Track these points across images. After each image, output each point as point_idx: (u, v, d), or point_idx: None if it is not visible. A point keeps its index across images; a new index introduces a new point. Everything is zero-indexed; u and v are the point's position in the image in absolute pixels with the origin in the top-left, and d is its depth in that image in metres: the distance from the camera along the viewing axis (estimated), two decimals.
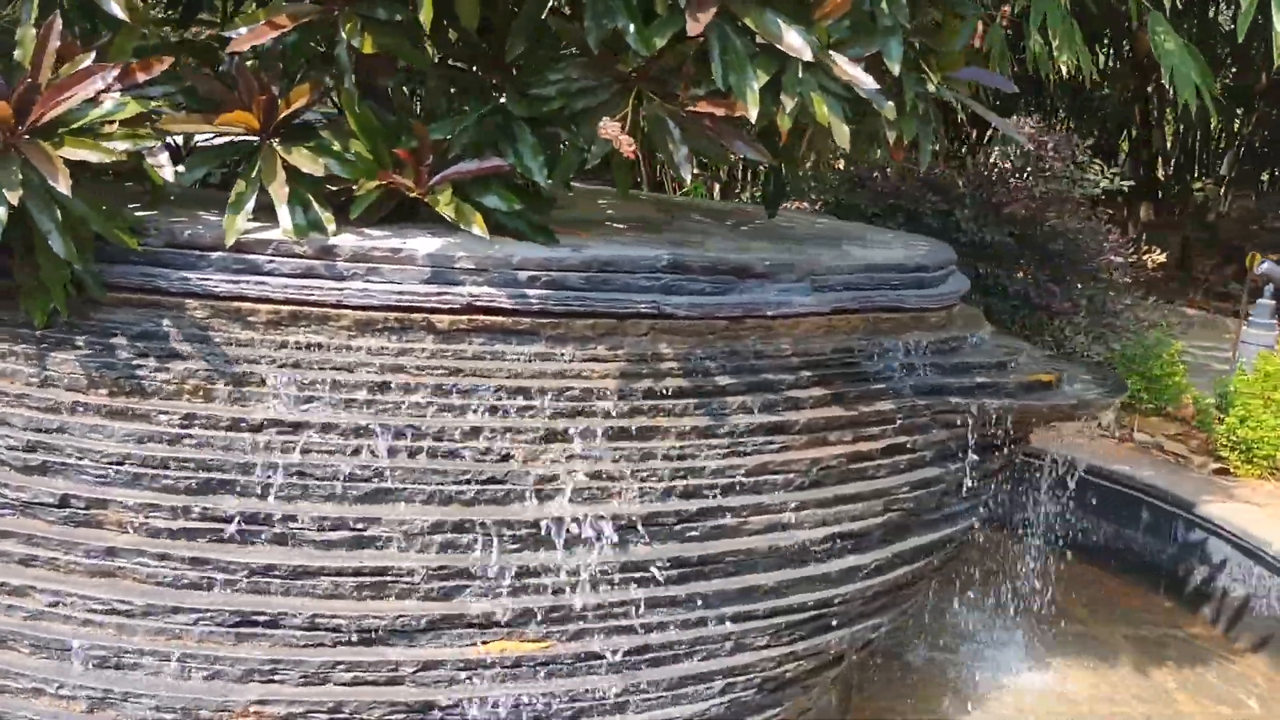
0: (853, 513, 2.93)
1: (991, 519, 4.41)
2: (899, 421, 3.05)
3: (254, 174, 2.58)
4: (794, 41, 2.40)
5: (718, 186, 7.48)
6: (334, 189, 2.72)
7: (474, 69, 2.71)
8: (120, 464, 2.51)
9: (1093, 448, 5.06)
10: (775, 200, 3.53)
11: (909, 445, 3.07)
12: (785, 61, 2.47)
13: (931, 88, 2.71)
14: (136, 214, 2.60)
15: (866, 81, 2.46)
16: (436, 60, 2.73)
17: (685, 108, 2.52)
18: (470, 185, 2.66)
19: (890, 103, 2.59)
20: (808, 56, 2.41)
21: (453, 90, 2.74)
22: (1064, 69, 5.88)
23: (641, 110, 2.52)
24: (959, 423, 3.17)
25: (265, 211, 2.61)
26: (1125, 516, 4.69)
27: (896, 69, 2.57)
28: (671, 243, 3.01)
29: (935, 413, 3.13)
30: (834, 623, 2.87)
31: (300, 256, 2.61)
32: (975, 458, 3.26)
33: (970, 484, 3.26)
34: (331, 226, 2.65)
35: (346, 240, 2.63)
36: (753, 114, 2.44)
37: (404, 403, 2.60)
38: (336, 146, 2.65)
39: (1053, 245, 5.33)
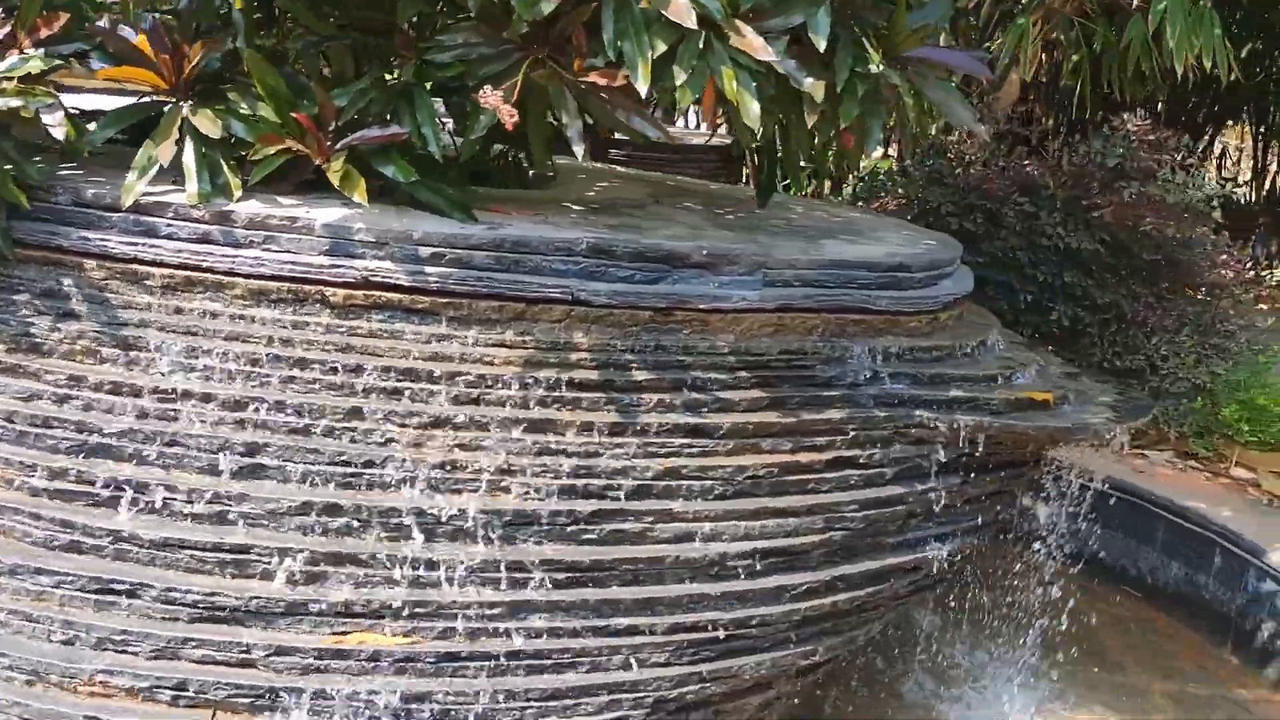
0: (784, 528, 2.69)
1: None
2: (851, 433, 2.78)
3: (159, 135, 2.53)
4: (680, 6, 2.18)
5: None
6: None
7: (378, 34, 2.60)
8: (9, 420, 2.51)
9: (1175, 480, 4.58)
10: (766, 189, 3.29)
11: (862, 460, 2.80)
12: (686, 31, 2.25)
13: (873, 67, 2.43)
14: (50, 173, 2.59)
15: (765, 53, 2.22)
16: (342, 25, 2.62)
17: (580, 78, 2.33)
18: (373, 154, 2.55)
19: (811, 80, 2.34)
20: (690, 23, 2.19)
21: (360, 56, 2.62)
22: (1184, 64, 5.37)
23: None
24: (930, 439, 2.87)
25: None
26: (1197, 559, 4.22)
27: (822, 44, 2.32)
28: (613, 227, 2.82)
29: (899, 426, 2.84)
30: (750, 646, 2.64)
31: (198, 221, 2.55)
32: (956, 479, 2.96)
33: (945, 507, 2.96)
34: (238, 193, 2.58)
35: (244, 207, 2.55)
36: (642, 86, 2.23)
37: (290, 377, 2.51)
38: (245, 110, 2.57)
39: (1150, 255, 4.85)
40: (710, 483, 2.63)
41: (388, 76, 2.55)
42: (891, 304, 2.89)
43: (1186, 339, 4.94)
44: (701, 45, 2.27)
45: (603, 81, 2.29)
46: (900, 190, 5.28)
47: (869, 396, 2.83)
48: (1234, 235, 7.85)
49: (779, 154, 3.28)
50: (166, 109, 2.58)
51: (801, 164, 3.29)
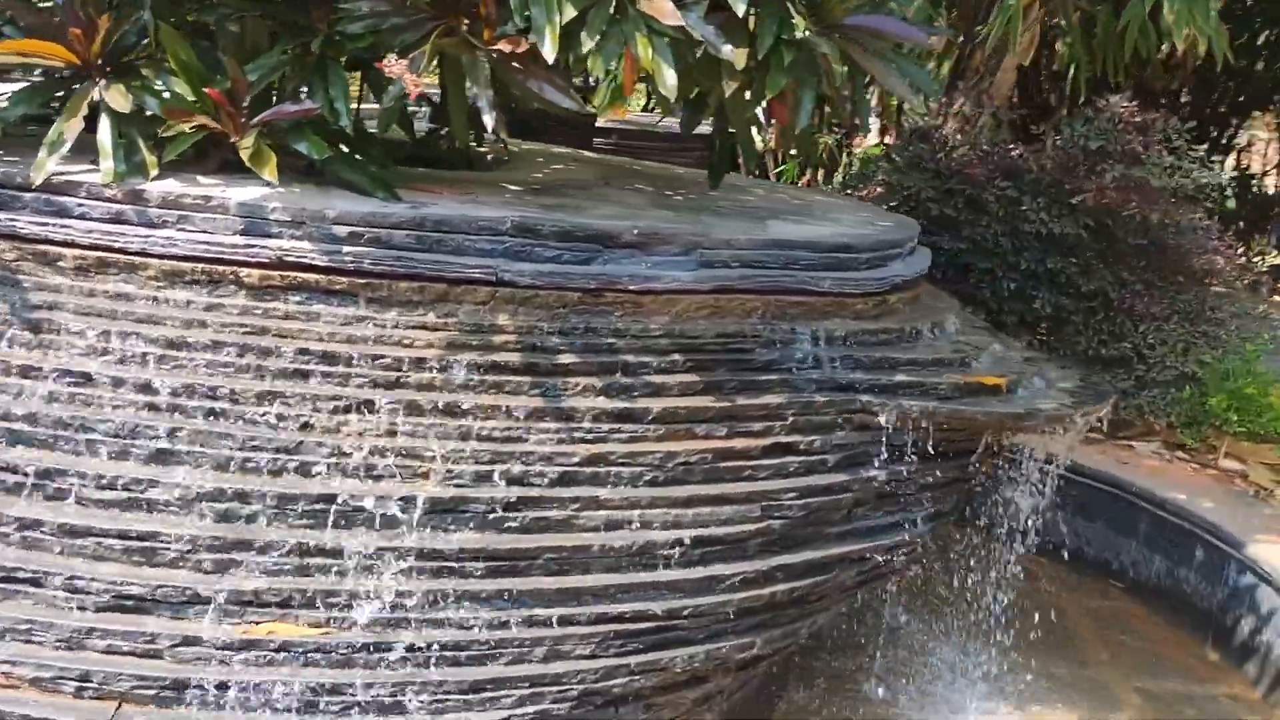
0: (718, 516, 2.60)
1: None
2: (790, 419, 2.69)
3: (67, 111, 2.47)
4: None
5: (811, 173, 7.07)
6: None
7: (293, 5, 2.52)
8: None
9: (1160, 471, 4.45)
10: (717, 169, 3.20)
11: (802, 446, 2.71)
12: None
13: (800, 34, 2.33)
14: None
15: (674, 17, 2.13)
16: None
17: (491, 47, 2.25)
18: (288, 131, 2.47)
19: (729, 47, 2.25)
20: None
21: (275, 30, 2.55)
22: (1185, 43, 5.24)
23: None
24: (875, 425, 2.78)
25: None
26: (1178, 552, 4.10)
27: (741, 8, 2.22)
28: (547, 207, 2.74)
29: (842, 411, 2.75)
30: (681, 638, 2.55)
31: (111, 201, 2.48)
32: (905, 466, 2.86)
33: (895, 495, 2.86)
34: (154, 171, 2.51)
35: (158, 186, 2.49)
36: (549, 53, 2.15)
37: (204, 360, 2.44)
38: (159, 86, 2.51)
39: (1136, 241, 4.73)
40: (639, 469, 2.54)
41: (306, 49, 2.47)
42: (835, 285, 2.80)
43: (1175, 327, 4.81)
44: (614, 11, 2.18)
45: (508, 49, 2.21)
46: (885, 177, 5.17)
47: (810, 381, 2.73)
48: (1252, 224, 7.70)
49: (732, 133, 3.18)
50: (79, 85, 2.51)
51: (758, 144, 3.18)
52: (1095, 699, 3.56)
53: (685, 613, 2.54)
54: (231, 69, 2.45)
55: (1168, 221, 4.70)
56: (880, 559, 2.90)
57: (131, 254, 2.48)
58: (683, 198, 3.19)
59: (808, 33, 2.34)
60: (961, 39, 6.56)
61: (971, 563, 3.84)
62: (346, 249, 2.47)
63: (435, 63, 2.41)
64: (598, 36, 2.17)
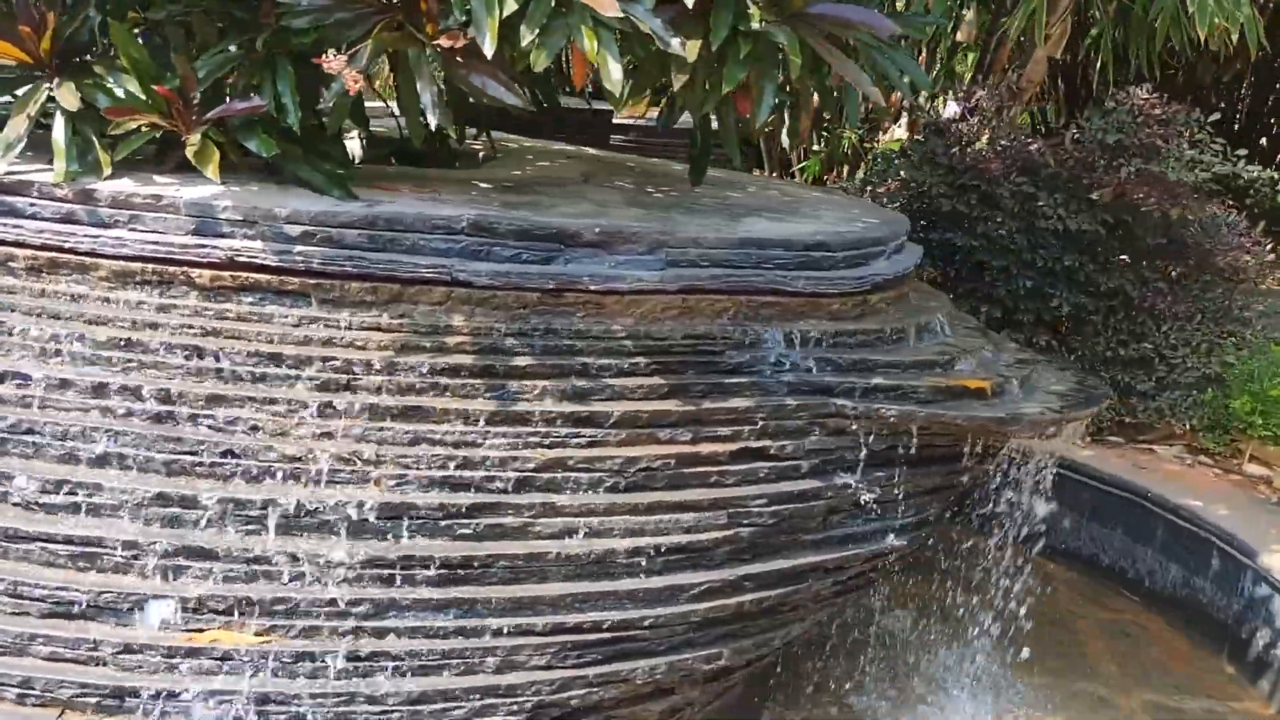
0: (682, 524, 2.52)
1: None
2: (760, 423, 2.60)
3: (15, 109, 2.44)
4: None
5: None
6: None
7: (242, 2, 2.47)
8: None
9: (1179, 477, 4.29)
10: (699, 165, 3.11)
11: (772, 451, 2.61)
12: None
13: (756, 25, 2.24)
14: None
15: (612, 8, 2.05)
16: None
17: (434, 41, 2.18)
18: (239, 128, 2.42)
19: (677, 40, 2.16)
20: None
21: (223, 26, 2.50)
22: (1217, 33, 5.06)
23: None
24: (852, 429, 2.68)
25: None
26: (1194, 560, 3.94)
27: (690, 0, 2.14)
28: (511, 205, 2.67)
29: (816, 416, 2.65)
30: (642, 648, 2.47)
31: (62, 200, 2.45)
32: (886, 473, 2.76)
33: (875, 502, 2.76)
34: (107, 170, 2.48)
35: (109, 185, 2.45)
36: (488, 47, 2.07)
37: (153, 362, 2.40)
38: (110, 84, 2.47)
39: (1155, 238, 4.57)
40: (599, 475, 2.47)
41: (254, 45, 2.42)
42: (809, 285, 2.70)
43: (1200, 327, 4.64)
44: (557, 3, 2.10)
45: (447, 44, 2.14)
46: (902, 173, 5.04)
47: (782, 383, 2.64)
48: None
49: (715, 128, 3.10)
50: (31, 84, 2.48)
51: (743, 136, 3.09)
52: (1097, 713, 3.42)
53: (645, 623, 2.46)
54: (180, 66, 2.41)
55: (1190, 217, 4.53)
56: (860, 568, 2.80)
57: (82, 254, 2.44)
58: (663, 194, 3.11)
59: (764, 23, 2.24)
60: (988, 30, 6.42)
61: (977, 568, 3.73)
62: (298, 249, 2.41)
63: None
64: (538, 29, 2.09)
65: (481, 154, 3.64)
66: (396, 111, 3.01)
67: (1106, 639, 3.91)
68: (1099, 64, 6.21)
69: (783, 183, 3.91)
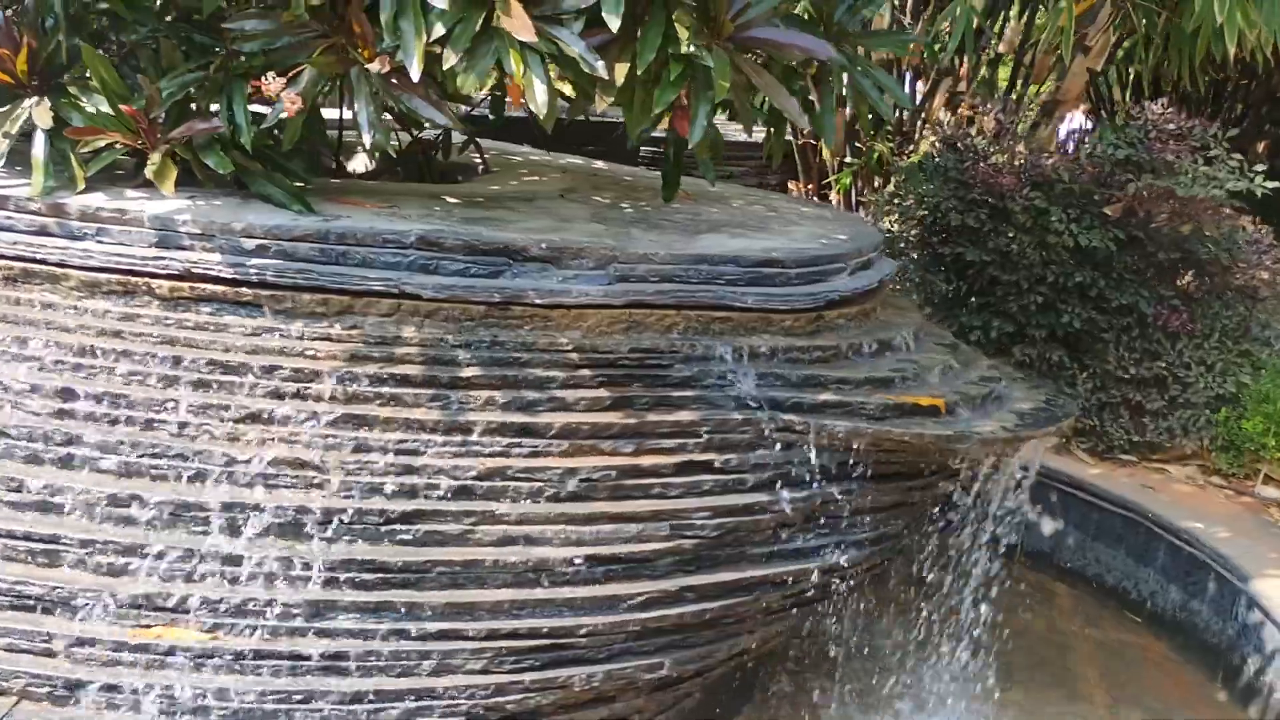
0: (622, 534, 2.56)
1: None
2: (705, 436, 2.64)
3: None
4: None
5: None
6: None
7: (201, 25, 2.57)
8: None
9: (1187, 498, 4.22)
10: (670, 181, 3.15)
11: (717, 464, 2.64)
12: (468, 10, 2.15)
13: (687, 49, 2.27)
14: None
15: (527, 33, 2.10)
16: (170, 17, 2.61)
17: (366, 64, 2.26)
18: (202, 146, 2.53)
19: (600, 63, 2.21)
20: (442, 4, 2.08)
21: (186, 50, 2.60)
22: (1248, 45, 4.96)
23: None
24: (800, 445, 2.70)
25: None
26: (1193, 584, 3.88)
27: (615, 23, 2.18)
28: (469, 220, 2.74)
29: (763, 430, 2.68)
30: (579, 656, 2.52)
31: (35, 214, 2.58)
32: (838, 488, 2.78)
33: (827, 518, 2.78)
34: (80, 185, 2.60)
35: (79, 199, 2.57)
36: (414, 70, 2.15)
37: (114, 369, 2.51)
38: (83, 103, 2.59)
39: (1168, 254, 4.49)
40: (539, 484, 2.52)
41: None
42: (759, 300, 2.73)
43: (1215, 346, 4.56)
44: (481, 26, 2.17)
45: (376, 67, 2.21)
46: (919, 187, 5.03)
47: (729, 398, 2.67)
48: None
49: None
50: (9, 103, 2.62)
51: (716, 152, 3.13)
52: None
53: (583, 631, 2.50)
54: (146, 87, 2.52)
55: (1208, 234, 4.45)
56: (813, 582, 2.82)
57: (52, 265, 2.57)
58: (634, 209, 3.16)
59: (695, 47, 2.27)
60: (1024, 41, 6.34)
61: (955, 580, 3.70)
62: (252, 261, 2.51)
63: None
64: (462, 52, 2.15)
65: (481, 168, 3.73)
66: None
67: (1102, 660, 3.85)
68: (1131, 76, 6.11)
69: (778, 197, 3.92)
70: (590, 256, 2.64)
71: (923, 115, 6.49)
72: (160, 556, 2.39)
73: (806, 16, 3.33)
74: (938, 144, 5.00)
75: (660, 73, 2.30)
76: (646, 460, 2.60)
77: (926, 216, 4.86)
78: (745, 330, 2.75)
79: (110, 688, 2.34)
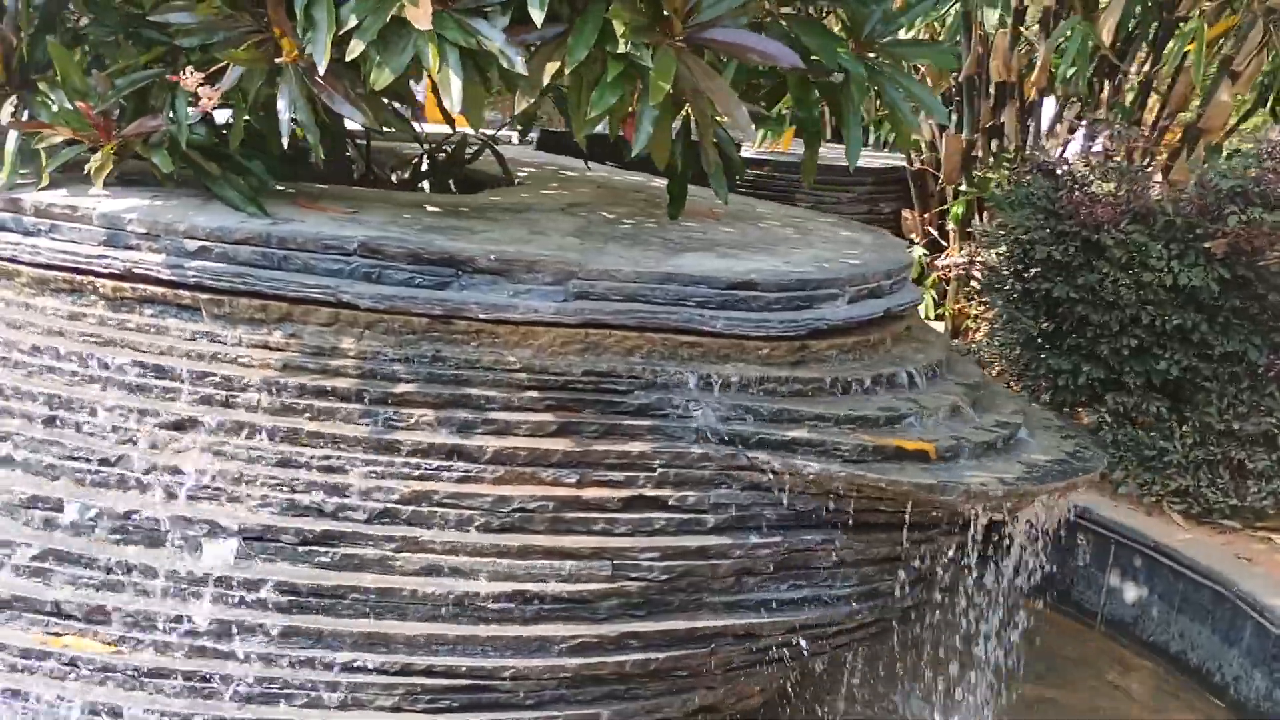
0: (559, 571, 2.36)
1: None
2: (658, 470, 2.42)
3: None
4: None
5: None
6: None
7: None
8: None
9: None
10: (676, 197, 2.94)
11: (672, 502, 2.42)
12: (381, 1, 2.01)
13: (624, 48, 2.07)
14: None
15: (425, 22, 1.94)
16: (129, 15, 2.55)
17: (280, 59, 2.14)
18: (154, 144, 2.47)
19: (521, 59, 2.03)
20: None
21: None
22: None
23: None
24: (767, 485, 2.45)
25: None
26: (1232, 632, 3.42)
27: (538, 17, 2.00)
28: (430, 228, 2.60)
29: (725, 467, 2.44)
30: (503, 700, 2.33)
31: None
32: (815, 536, 2.51)
33: (800, 569, 2.52)
34: (44, 181, 2.58)
35: (34, 195, 2.54)
36: (321, 63, 2.01)
37: (53, 367, 2.47)
38: (51, 101, 2.57)
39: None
40: (469, 512, 2.35)
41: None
42: (729, 325, 2.49)
43: None
44: (393, 17, 2.02)
45: (287, 61, 2.09)
46: (1009, 217, 4.65)
47: (689, 430, 2.44)
48: None
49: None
50: None
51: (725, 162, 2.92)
52: None
53: (507, 673, 2.31)
54: (101, 84, 2.48)
55: None
56: (785, 638, 2.55)
57: (5, 260, 2.54)
58: (632, 225, 2.96)
59: (628, 46, 2.07)
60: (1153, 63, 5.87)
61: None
62: (192, 263, 2.43)
63: None
64: (368, 43, 2.01)
65: (516, 179, 3.60)
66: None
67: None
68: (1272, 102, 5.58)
69: (822, 219, 3.64)
70: (545, 270, 2.46)
71: (1046, 141, 6.08)
72: (73, 563, 2.32)
73: (838, 27, 3.10)
74: (1032, 170, 4.62)
75: (601, 73, 2.11)
76: (590, 493, 2.40)
77: (1015, 249, 4.50)
78: (717, 358, 2.52)
79: (14, 693, 2.27)
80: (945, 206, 6.36)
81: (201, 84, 2.15)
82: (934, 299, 6.25)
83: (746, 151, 6.61)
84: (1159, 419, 4.22)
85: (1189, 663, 3.83)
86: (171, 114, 2.37)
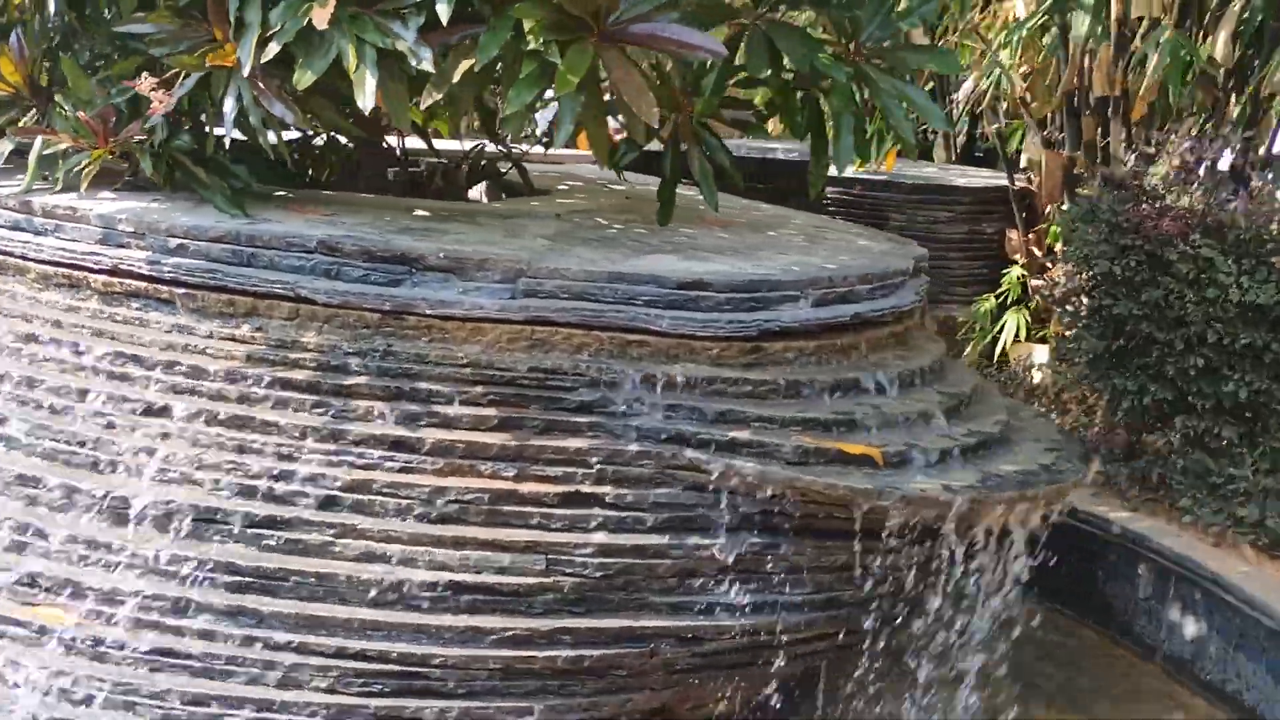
0: (493, 564, 2.40)
1: None
2: (597, 467, 2.43)
3: None
4: None
5: None
6: None
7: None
8: None
9: None
10: (666, 202, 2.95)
11: (609, 499, 2.43)
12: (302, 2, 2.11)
13: (537, 43, 2.10)
14: None
15: (321, 19, 2.01)
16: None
17: (214, 63, 2.26)
18: (139, 150, 2.64)
19: (428, 55, 2.08)
20: None
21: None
22: None
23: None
24: (710, 486, 2.44)
25: None
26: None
27: (446, 14, 2.06)
28: (404, 230, 2.69)
29: (666, 466, 2.44)
30: (433, 688, 2.37)
31: (13, 210, 2.78)
32: (762, 539, 2.48)
33: (747, 572, 2.49)
34: (58, 185, 2.78)
35: (41, 198, 2.75)
36: (246, 66, 2.12)
37: (51, 356, 2.65)
38: (65, 111, 2.78)
39: None
40: (408, 502, 2.42)
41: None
42: (675, 325, 2.49)
43: None
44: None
45: (217, 63, 2.21)
46: (1076, 231, 4.46)
47: (630, 428, 2.45)
48: None
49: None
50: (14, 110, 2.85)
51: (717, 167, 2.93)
52: None
53: (436, 661, 2.36)
54: (100, 94, 2.67)
55: None
56: (735, 643, 2.52)
57: (17, 258, 2.75)
58: (618, 230, 2.98)
59: (540, 43, 2.11)
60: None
61: None
62: (170, 260, 2.58)
63: None
64: (288, 40, 2.11)
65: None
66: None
67: None
68: None
69: (843, 227, 3.59)
70: (495, 269, 2.52)
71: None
72: (49, 537, 2.48)
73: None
74: (1100, 182, 4.43)
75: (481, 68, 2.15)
76: (528, 487, 2.43)
77: (1081, 266, 4.32)
78: (666, 357, 2.52)
79: None
80: (1046, 224, 6.13)
81: (154, 89, 2.29)
82: (1026, 321, 6.03)
83: (849, 171, 6.50)
84: (1229, 444, 3.97)
85: (1243, 702, 3.58)
86: (146, 120, 2.54)
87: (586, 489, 2.43)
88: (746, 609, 2.51)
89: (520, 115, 2.28)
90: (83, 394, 2.57)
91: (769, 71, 2.71)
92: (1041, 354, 5.97)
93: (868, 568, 2.57)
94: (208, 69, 2.29)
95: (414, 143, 3.76)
